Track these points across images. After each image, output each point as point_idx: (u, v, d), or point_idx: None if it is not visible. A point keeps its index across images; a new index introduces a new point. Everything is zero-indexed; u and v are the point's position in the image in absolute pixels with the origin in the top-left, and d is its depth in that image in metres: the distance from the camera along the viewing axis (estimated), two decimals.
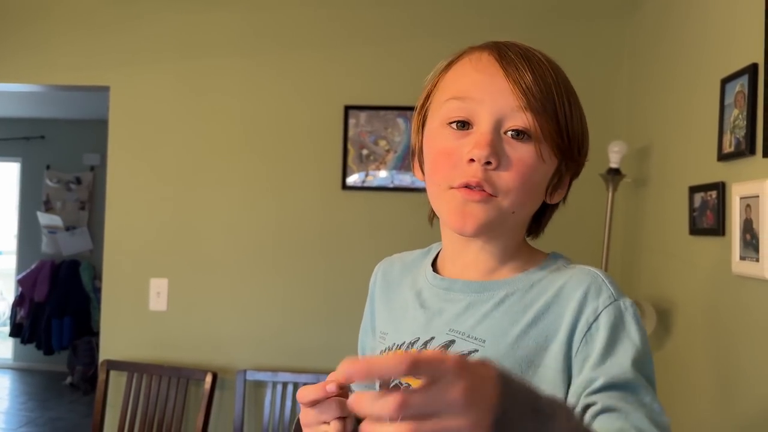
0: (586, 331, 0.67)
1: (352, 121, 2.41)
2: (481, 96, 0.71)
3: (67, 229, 5.52)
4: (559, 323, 0.69)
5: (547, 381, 0.68)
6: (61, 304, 5.24)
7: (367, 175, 2.41)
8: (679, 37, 1.93)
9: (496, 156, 0.69)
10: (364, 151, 2.41)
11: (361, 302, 0.94)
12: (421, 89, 0.80)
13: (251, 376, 2.31)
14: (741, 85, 1.52)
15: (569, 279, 0.72)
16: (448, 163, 0.71)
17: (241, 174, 2.43)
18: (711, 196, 1.65)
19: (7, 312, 6.43)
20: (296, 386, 2.27)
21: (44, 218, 5.52)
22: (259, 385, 2.37)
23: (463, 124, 0.72)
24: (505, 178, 0.70)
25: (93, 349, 5.13)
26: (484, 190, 0.70)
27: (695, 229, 1.74)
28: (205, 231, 2.43)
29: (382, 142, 2.40)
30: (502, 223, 0.72)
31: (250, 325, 2.41)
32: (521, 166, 0.70)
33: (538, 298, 0.72)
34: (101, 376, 2.34)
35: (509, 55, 0.71)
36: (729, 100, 1.57)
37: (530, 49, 0.74)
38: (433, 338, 0.74)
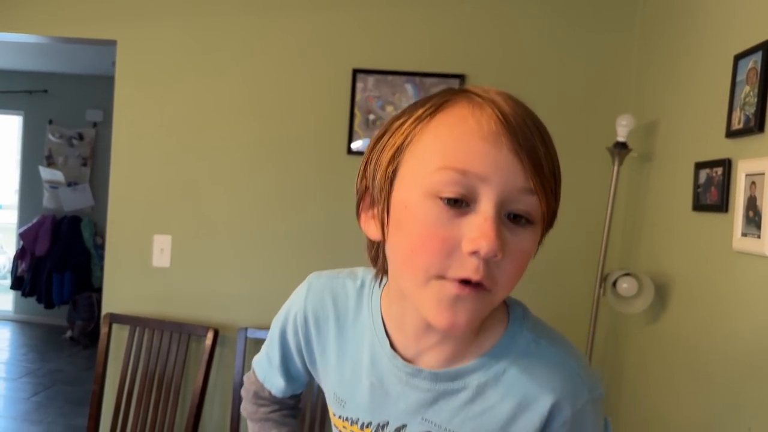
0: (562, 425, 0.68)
1: (359, 85, 2.40)
2: (485, 171, 0.58)
3: (69, 184, 5.52)
4: (536, 420, 0.67)
5: None
6: (62, 259, 5.27)
7: None
8: (691, 11, 1.91)
9: (503, 250, 0.58)
10: (371, 116, 2.40)
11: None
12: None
13: (252, 334, 2.35)
14: (754, 61, 1.51)
15: (544, 374, 0.68)
16: (441, 249, 0.59)
17: (246, 133, 2.42)
18: (716, 172, 1.66)
19: (8, 266, 6.48)
20: None
21: (46, 173, 5.51)
22: (260, 343, 2.40)
23: (458, 202, 0.59)
24: (507, 271, 0.60)
25: (93, 305, 5.18)
26: (482, 286, 0.60)
27: (698, 205, 1.76)
28: (210, 189, 2.44)
29: (390, 108, 2.39)
30: (488, 313, 0.64)
31: (252, 284, 2.44)
32: (523, 256, 0.61)
33: (511, 391, 0.68)
34: (104, 329, 2.37)
35: (517, 121, 0.60)
36: (741, 76, 1.57)
37: (534, 114, 0.62)
38: (405, 426, 0.72)
